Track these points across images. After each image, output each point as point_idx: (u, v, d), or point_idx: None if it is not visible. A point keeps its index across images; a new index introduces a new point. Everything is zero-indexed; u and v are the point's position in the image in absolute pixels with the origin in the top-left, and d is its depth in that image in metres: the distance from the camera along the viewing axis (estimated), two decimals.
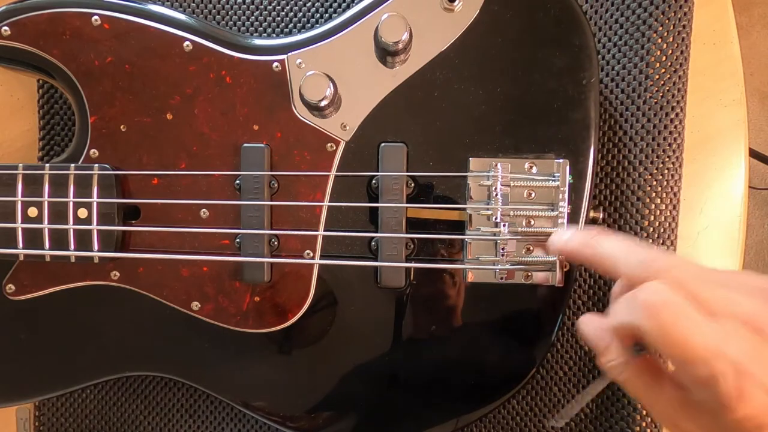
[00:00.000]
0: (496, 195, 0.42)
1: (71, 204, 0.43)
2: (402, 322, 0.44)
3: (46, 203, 0.43)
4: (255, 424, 0.52)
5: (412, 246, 0.44)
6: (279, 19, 0.51)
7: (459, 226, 0.43)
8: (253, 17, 0.51)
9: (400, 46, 0.41)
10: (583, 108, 0.42)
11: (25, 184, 0.43)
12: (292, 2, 0.51)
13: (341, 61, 0.43)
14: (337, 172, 0.43)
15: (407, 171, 0.43)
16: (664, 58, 0.45)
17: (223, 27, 0.51)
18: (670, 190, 0.46)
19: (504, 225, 0.42)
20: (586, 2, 0.48)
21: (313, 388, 0.45)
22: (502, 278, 0.43)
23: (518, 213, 0.42)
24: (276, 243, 0.44)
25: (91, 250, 0.44)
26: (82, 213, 0.43)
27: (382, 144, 0.43)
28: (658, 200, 0.46)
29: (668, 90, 0.46)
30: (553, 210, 0.42)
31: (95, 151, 0.44)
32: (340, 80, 0.43)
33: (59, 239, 0.43)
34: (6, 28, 0.43)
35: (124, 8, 0.44)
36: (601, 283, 0.48)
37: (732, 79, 0.49)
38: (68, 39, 0.43)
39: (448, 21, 0.42)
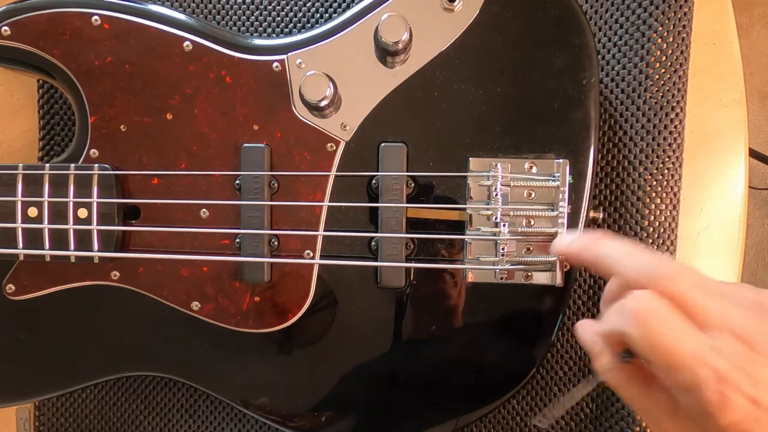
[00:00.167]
0: (496, 195, 0.42)
1: (71, 204, 0.43)
2: (402, 322, 0.44)
3: (46, 203, 0.43)
4: (255, 424, 0.52)
5: (412, 246, 0.44)
6: (279, 19, 0.51)
7: (459, 226, 0.43)
8: (253, 17, 0.51)
9: (400, 46, 0.41)
10: (583, 108, 0.42)
11: (25, 184, 0.43)
12: (292, 2, 0.51)
13: (341, 61, 0.43)
14: (337, 172, 0.43)
15: (407, 171, 0.43)
16: (664, 58, 0.45)
17: (223, 27, 0.51)
18: (670, 190, 0.46)
19: (504, 225, 0.42)
20: (586, 2, 0.48)
21: (313, 388, 0.45)
22: (502, 278, 0.43)
23: (518, 213, 0.42)
24: (276, 243, 0.44)
25: (91, 250, 0.44)
26: (82, 213, 0.43)
27: (382, 144, 0.43)
28: (658, 200, 0.46)
29: (668, 90, 0.46)
30: (553, 210, 0.42)
31: (95, 151, 0.44)
32: (340, 80, 0.43)
33: (59, 239, 0.43)
34: (6, 28, 0.43)
35: (124, 8, 0.44)
36: (602, 283, 0.48)
37: (732, 79, 0.49)
38: (68, 39, 0.43)
39: (448, 21, 0.42)
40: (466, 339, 0.44)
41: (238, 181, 0.44)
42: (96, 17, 0.43)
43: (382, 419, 0.45)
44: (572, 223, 0.42)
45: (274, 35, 0.51)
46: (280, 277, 0.44)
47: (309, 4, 0.51)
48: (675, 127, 0.46)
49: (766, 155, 1.26)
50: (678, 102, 0.46)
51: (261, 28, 0.51)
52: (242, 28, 0.51)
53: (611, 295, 0.34)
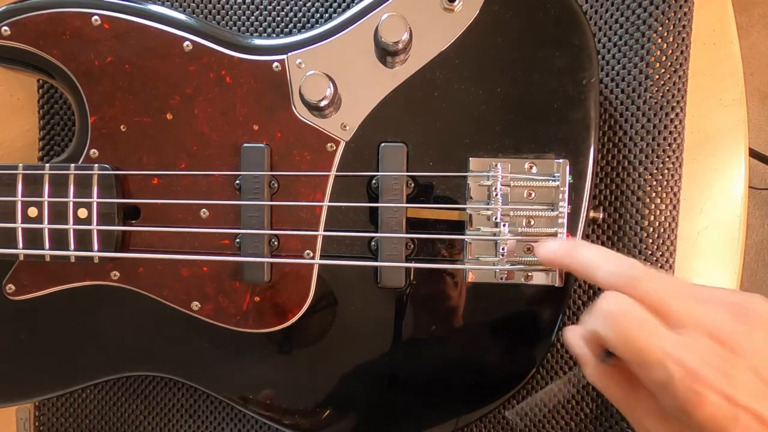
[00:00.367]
0: (496, 195, 0.42)
1: (71, 204, 0.43)
2: (402, 322, 0.44)
3: (46, 203, 0.43)
4: (255, 424, 0.52)
5: (412, 246, 0.44)
6: (279, 19, 0.51)
7: (459, 226, 0.43)
8: (253, 17, 0.51)
9: (400, 46, 0.41)
10: (583, 108, 0.42)
11: (25, 184, 0.43)
12: (292, 2, 0.51)
13: (341, 61, 0.43)
14: (337, 172, 0.43)
15: (407, 171, 0.43)
16: (664, 58, 0.45)
17: (223, 27, 0.51)
18: (670, 190, 0.46)
19: (504, 225, 0.42)
20: (586, 2, 0.48)
21: (313, 388, 0.45)
22: (502, 278, 0.43)
23: (518, 213, 0.42)
24: (276, 243, 0.44)
25: (91, 250, 0.44)
26: (82, 213, 0.43)
27: (382, 144, 0.43)
28: (658, 200, 0.46)
29: (668, 90, 0.46)
30: (553, 210, 0.42)
31: (95, 151, 0.44)
32: (340, 80, 0.43)
33: (59, 239, 0.43)
34: (6, 28, 0.43)
35: (124, 8, 0.44)
36: None
37: (732, 79, 0.49)
38: (68, 39, 0.43)
39: (448, 21, 0.42)
40: (466, 339, 0.44)
41: (238, 181, 0.44)
42: (96, 17, 0.43)
43: (382, 419, 0.45)
44: (572, 223, 0.42)
45: (274, 35, 0.51)
46: (280, 277, 0.44)
47: (309, 4, 0.51)
48: (675, 127, 0.46)
49: (766, 155, 1.26)
50: (678, 102, 0.46)
51: (261, 28, 0.51)
52: (242, 28, 0.51)
53: None
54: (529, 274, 0.43)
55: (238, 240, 0.44)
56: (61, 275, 0.44)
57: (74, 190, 0.43)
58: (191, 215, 0.44)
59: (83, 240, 0.44)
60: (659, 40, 0.45)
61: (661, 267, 0.47)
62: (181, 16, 0.45)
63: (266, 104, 0.43)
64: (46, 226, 0.43)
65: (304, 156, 0.44)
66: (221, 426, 0.53)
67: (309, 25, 0.51)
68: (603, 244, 0.48)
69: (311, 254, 0.44)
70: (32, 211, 0.43)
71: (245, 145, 0.43)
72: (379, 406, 0.45)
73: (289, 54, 0.43)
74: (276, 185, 0.44)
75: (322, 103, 0.42)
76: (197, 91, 0.44)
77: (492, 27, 0.42)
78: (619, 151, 0.47)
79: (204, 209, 0.44)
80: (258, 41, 0.45)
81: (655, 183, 0.46)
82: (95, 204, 0.43)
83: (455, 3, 0.42)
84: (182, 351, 0.45)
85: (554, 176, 0.42)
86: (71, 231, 0.43)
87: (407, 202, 0.43)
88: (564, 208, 0.42)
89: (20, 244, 0.44)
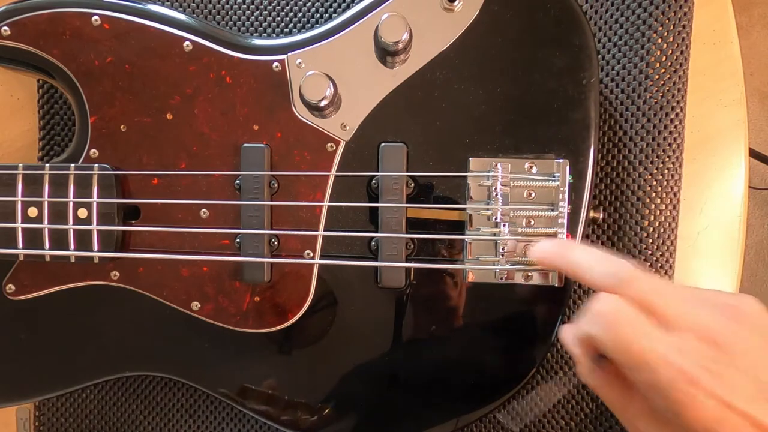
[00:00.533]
0: (496, 195, 0.42)
1: (71, 204, 0.43)
2: (402, 322, 0.44)
3: (46, 203, 0.43)
4: (255, 424, 0.52)
5: (412, 246, 0.44)
6: (279, 19, 0.51)
7: (459, 226, 0.43)
8: (253, 17, 0.51)
9: (400, 46, 0.41)
10: (583, 108, 0.42)
11: (25, 184, 0.43)
12: (292, 2, 0.51)
13: (341, 61, 0.43)
14: (337, 172, 0.43)
15: (407, 171, 0.43)
16: (664, 58, 0.45)
17: (223, 27, 0.51)
18: (670, 190, 0.46)
19: (504, 225, 0.42)
20: (586, 2, 0.48)
21: (313, 388, 0.45)
22: (502, 278, 0.43)
23: (518, 213, 0.42)
24: (276, 243, 0.44)
25: (91, 250, 0.44)
26: (82, 213, 0.43)
27: (382, 144, 0.43)
28: (658, 200, 0.46)
29: (668, 90, 0.46)
30: (553, 210, 0.42)
31: (95, 151, 0.44)
32: (340, 80, 0.43)
33: (59, 239, 0.43)
34: (6, 28, 0.43)
35: (124, 8, 0.44)
36: None
37: (732, 79, 0.49)
38: (68, 39, 0.43)
39: (448, 21, 0.42)
40: (466, 339, 0.44)
41: (238, 181, 0.44)
42: (96, 17, 0.43)
43: (382, 419, 0.45)
44: (572, 223, 0.42)
45: (274, 35, 0.51)
46: (280, 277, 0.44)
47: (309, 4, 0.51)
48: (675, 127, 0.46)
49: (766, 155, 1.26)
50: (678, 102, 0.46)
51: (261, 28, 0.51)
52: (242, 28, 0.51)
53: None
54: (529, 274, 0.43)
55: (238, 240, 0.44)
56: (61, 275, 0.44)
57: (74, 190, 0.43)
58: (191, 215, 0.44)
59: (83, 240, 0.44)
60: (659, 40, 0.45)
61: (661, 267, 0.47)
62: (181, 16, 0.45)
63: (266, 104, 0.43)
64: (46, 226, 0.43)
65: (304, 156, 0.44)
66: (221, 426, 0.53)
67: (309, 25, 0.51)
68: (603, 244, 0.48)
69: (311, 254, 0.44)
70: (32, 211, 0.43)
71: (245, 145, 0.43)
72: (379, 406, 0.45)
73: (289, 54, 0.43)
74: (276, 185, 0.44)
75: (322, 103, 0.42)
76: (197, 91, 0.44)
77: (492, 27, 0.42)
78: (619, 151, 0.47)
79: (204, 209, 0.44)
80: (258, 41, 0.45)
81: (655, 183, 0.46)
82: (95, 204, 0.43)
83: (455, 3, 0.42)
84: (182, 351, 0.45)
85: (554, 176, 0.42)
86: (71, 231, 0.43)
87: (407, 202, 0.43)
88: (564, 208, 0.42)
89: (20, 244, 0.44)
